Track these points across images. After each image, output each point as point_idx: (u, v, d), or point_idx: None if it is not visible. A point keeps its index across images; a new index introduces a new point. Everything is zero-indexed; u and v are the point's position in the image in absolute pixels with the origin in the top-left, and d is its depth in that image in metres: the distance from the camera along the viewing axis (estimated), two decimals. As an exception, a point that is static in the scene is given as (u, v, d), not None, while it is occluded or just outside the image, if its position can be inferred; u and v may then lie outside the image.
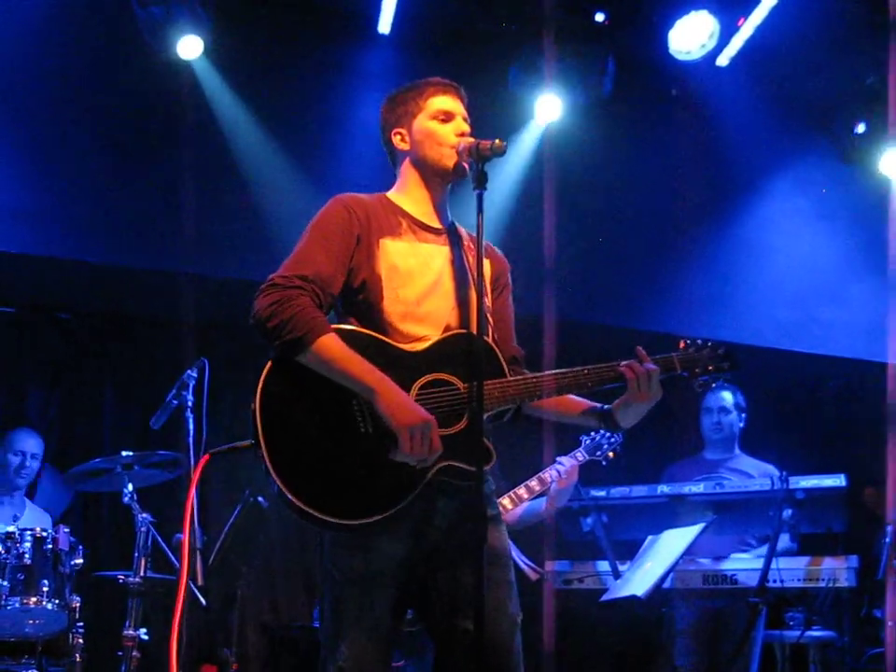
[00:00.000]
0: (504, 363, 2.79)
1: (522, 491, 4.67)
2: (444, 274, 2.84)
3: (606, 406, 2.91)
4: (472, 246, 2.88)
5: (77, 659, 4.63)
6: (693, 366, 2.89)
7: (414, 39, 6.15)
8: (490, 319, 2.86)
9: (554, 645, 5.48)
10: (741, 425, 5.53)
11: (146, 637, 4.50)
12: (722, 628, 5.01)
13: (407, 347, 2.71)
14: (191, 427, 4.46)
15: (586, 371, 2.81)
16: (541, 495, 4.76)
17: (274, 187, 5.72)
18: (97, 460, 4.89)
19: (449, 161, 2.84)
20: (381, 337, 2.71)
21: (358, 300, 2.76)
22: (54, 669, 4.73)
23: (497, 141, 2.70)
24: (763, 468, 5.36)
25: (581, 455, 4.72)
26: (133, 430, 6.26)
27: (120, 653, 4.43)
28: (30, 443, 5.60)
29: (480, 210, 2.65)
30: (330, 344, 2.59)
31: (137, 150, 5.69)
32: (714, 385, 2.92)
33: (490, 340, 2.82)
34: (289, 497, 2.51)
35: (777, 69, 6.30)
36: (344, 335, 2.66)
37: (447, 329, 2.79)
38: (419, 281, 2.79)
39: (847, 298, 6.86)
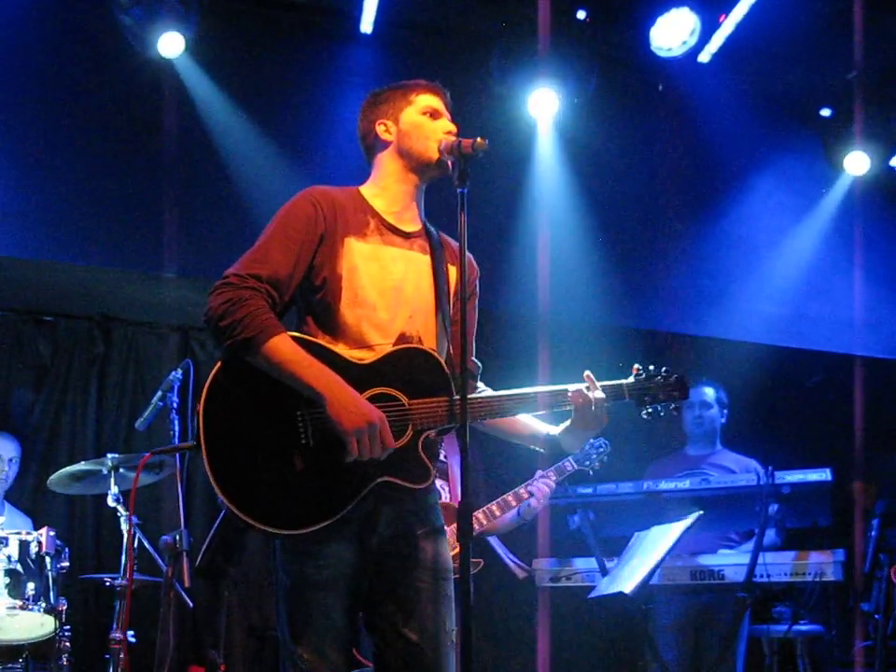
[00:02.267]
0: (451, 382, 2.73)
1: (494, 507, 4.67)
2: (406, 281, 2.82)
3: (550, 434, 2.91)
4: (445, 255, 2.90)
5: (65, 662, 4.62)
6: (642, 395, 2.85)
7: (397, 38, 6.14)
8: (447, 329, 2.85)
9: (543, 642, 5.50)
10: (722, 420, 5.55)
11: (133, 640, 4.49)
12: (710, 623, 5.03)
13: (355, 358, 2.69)
14: (177, 428, 4.44)
15: (536, 395, 2.79)
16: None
17: (259, 186, 5.69)
18: (82, 463, 4.88)
19: (434, 154, 2.84)
20: (329, 347, 2.69)
21: (317, 299, 2.74)
22: (41, 673, 4.71)
23: (478, 139, 2.71)
24: (744, 462, 5.37)
25: (569, 464, 4.73)
26: (119, 433, 6.24)
27: (108, 656, 4.41)
28: (8, 448, 5.57)
29: (462, 208, 2.65)
30: (281, 346, 2.58)
31: (121, 151, 5.67)
32: (662, 413, 2.88)
33: (442, 355, 2.79)
34: (223, 499, 2.53)
35: (759, 65, 6.31)
36: (303, 344, 2.65)
37: (401, 337, 2.76)
38: (379, 286, 2.77)
39: (832, 293, 6.88)
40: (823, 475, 4.73)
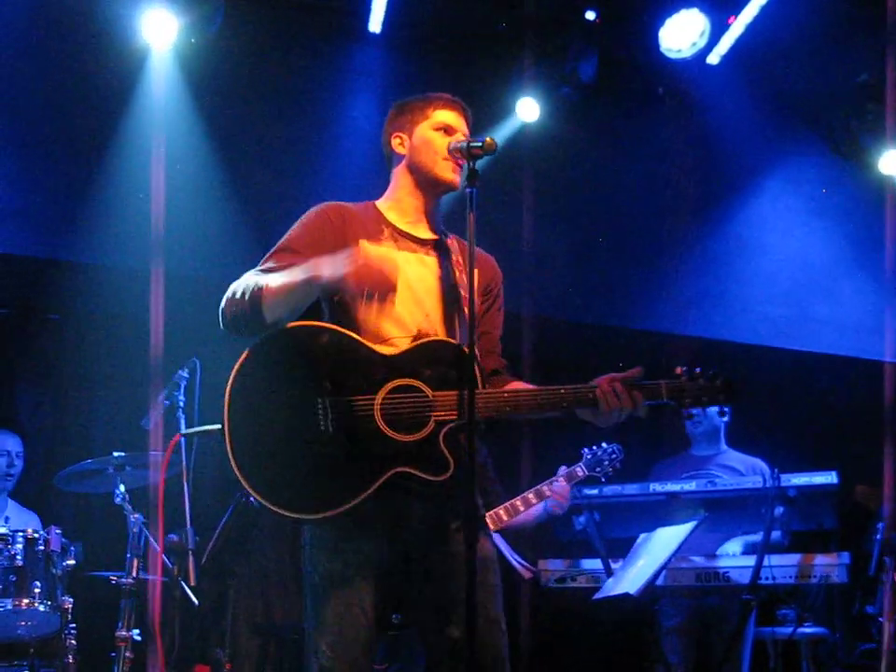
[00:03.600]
0: (479, 375, 2.75)
1: (518, 503, 4.69)
2: (421, 282, 2.86)
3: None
4: (461, 260, 2.92)
5: (70, 660, 4.62)
6: (681, 395, 2.78)
7: (405, 38, 6.15)
8: (462, 330, 2.86)
9: (548, 643, 5.49)
10: (724, 419, 5.50)
11: (138, 638, 4.49)
12: (715, 625, 5.02)
13: (381, 350, 2.73)
14: (183, 427, 4.45)
15: (562, 392, 2.75)
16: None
17: (264, 185, 5.70)
18: (88, 461, 4.88)
19: (442, 171, 2.89)
20: (357, 338, 2.73)
21: (335, 300, 2.79)
22: (47, 671, 4.72)
23: (487, 139, 2.70)
24: (750, 462, 5.36)
25: (580, 470, 4.74)
26: (125, 431, 6.24)
27: (113, 654, 4.42)
28: (11, 442, 5.59)
29: (472, 208, 2.65)
30: (270, 284, 2.65)
31: (128, 149, 5.66)
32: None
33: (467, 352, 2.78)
34: (243, 482, 2.58)
35: (768, 67, 6.31)
36: (324, 332, 2.72)
37: (418, 334, 2.79)
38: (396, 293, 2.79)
39: (839, 295, 6.87)
40: (829, 478, 4.72)
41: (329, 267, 2.59)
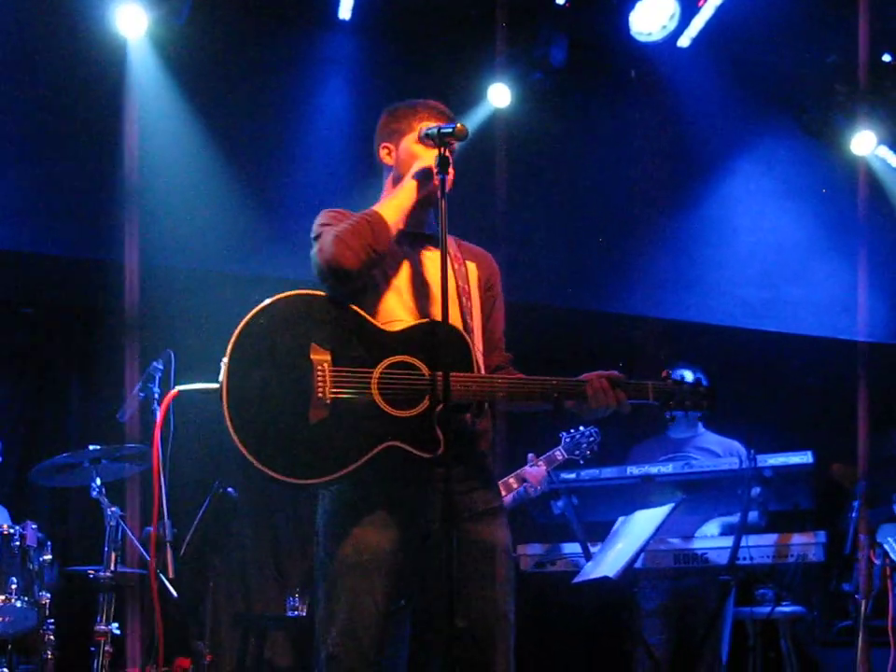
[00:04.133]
0: (475, 358, 2.79)
1: (500, 489, 4.69)
2: (425, 274, 2.90)
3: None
4: (457, 255, 3.00)
5: (49, 656, 4.60)
6: (667, 398, 2.90)
7: (375, 25, 6.12)
8: (470, 321, 2.90)
9: (527, 627, 5.50)
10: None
11: (118, 632, 4.47)
12: (694, 606, 5.05)
13: (383, 326, 2.77)
14: (159, 418, 4.42)
15: (554, 382, 2.82)
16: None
17: (234, 175, 5.67)
18: (64, 455, 4.85)
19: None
20: (361, 312, 2.77)
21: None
22: (25, 667, 4.70)
23: (458, 126, 2.72)
24: (727, 444, 5.39)
25: (560, 454, 4.76)
26: (100, 424, 6.20)
27: (93, 649, 4.40)
28: None
29: (442, 195, 2.67)
30: (384, 211, 2.79)
31: (97, 140, 5.62)
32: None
33: (467, 336, 2.83)
34: (236, 441, 2.60)
35: (739, 49, 6.31)
36: (329, 302, 2.76)
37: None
38: (403, 277, 2.87)
39: (812, 276, 6.91)
40: (805, 458, 4.75)
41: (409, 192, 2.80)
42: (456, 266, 2.96)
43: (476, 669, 2.69)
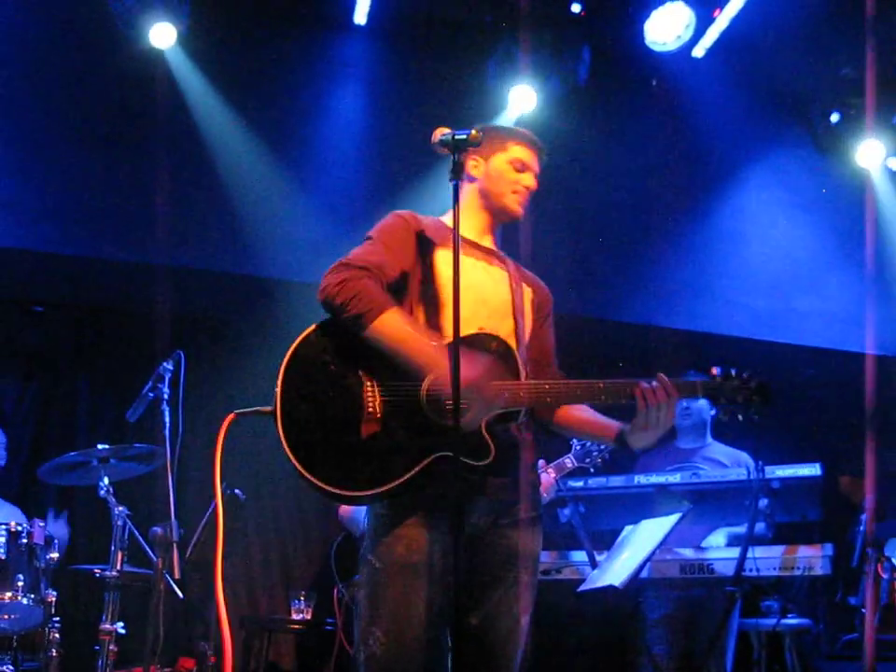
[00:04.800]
0: (521, 367, 2.86)
1: None
2: (484, 286, 2.99)
3: (621, 430, 2.95)
4: (516, 275, 3.10)
5: (54, 654, 4.61)
6: (716, 394, 2.89)
7: (391, 30, 6.14)
8: (523, 336, 3.00)
9: (532, 635, 5.49)
10: (712, 412, 5.53)
11: (123, 631, 4.48)
12: (699, 617, 5.03)
13: (434, 340, 2.81)
14: (167, 419, 4.44)
15: (601, 385, 2.86)
16: None
17: (250, 178, 5.70)
18: (72, 454, 4.86)
19: (510, 202, 3.09)
20: (410, 328, 2.81)
21: (403, 300, 2.89)
22: (30, 664, 4.70)
23: (473, 132, 2.75)
24: (735, 455, 5.38)
25: (570, 462, 4.74)
26: (109, 423, 6.23)
27: (97, 647, 4.40)
28: None
29: (456, 200, 2.71)
30: (390, 322, 2.75)
31: (112, 141, 5.66)
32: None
33: (513, 346, 2.90)
34: (293, 460, 2.67)
35: (753, 60, 6.32)
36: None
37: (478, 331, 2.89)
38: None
39: (823, 288, 6.89)
40: (813, 470, 4.73)
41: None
42: (514, 285, 3.06)
43: (481, 668, 2.73)
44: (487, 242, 3.13)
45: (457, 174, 2.73)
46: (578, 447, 4.81)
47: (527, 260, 5.99)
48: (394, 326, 2.75)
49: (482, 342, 2.84)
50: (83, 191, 5.63)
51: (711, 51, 6.16)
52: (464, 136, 2.73)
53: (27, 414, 6.23)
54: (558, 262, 6.11)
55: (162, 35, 5.52)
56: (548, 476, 4.74)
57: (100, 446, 4.74)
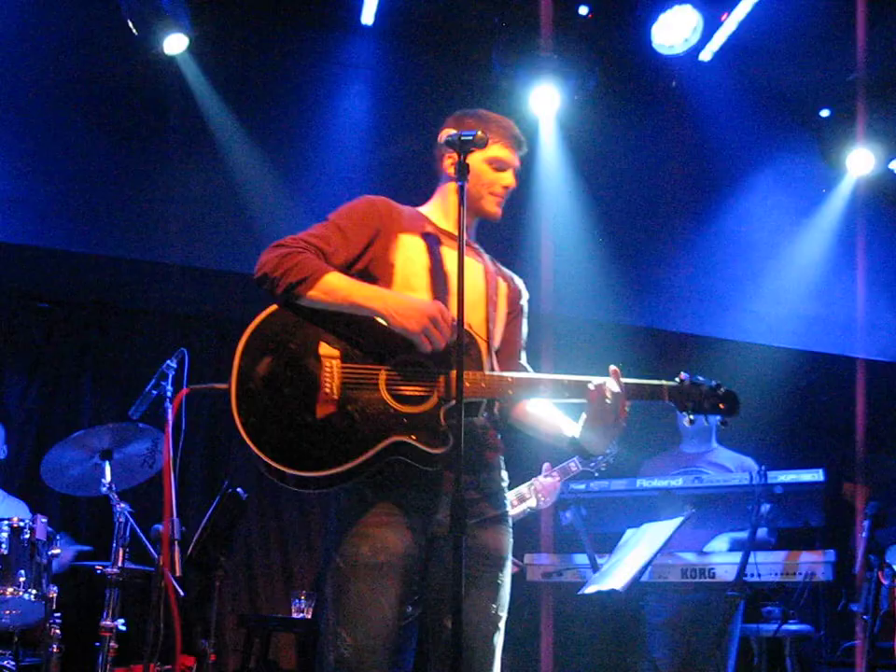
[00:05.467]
0: (485, 357, 2.82)
1: (513, 498, 4.69)
2: (455, 276, 2.88)
3: (575, 437, 2.91)
4: (490, 269, 3.06)
5: (55, 650, 4.60)
6: (683, 399, 2.85)
7: (398, 30, 6.14)
8: (493, 328, 2.96)
9: (532, 637, 5.49)
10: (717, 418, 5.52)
11: (123, 628, 4.48)
12: (700, 621, 5.03)
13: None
14: (170, 417, 4.43)
15: (565, 380, 2.82)
16: None
17: (258, 177, 5.70)
18: (78, 433, 4.86)
19: (487, 204, 3.03)
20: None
21: (362, 276, 2.84)
22: (31, 660, 4.71)
23: (479, 133, 2.75)
24: (740, 460, 5.38)
25: (575, 465, 4.74)
26: (112, 420, 6.22)
27: (98, 644, 4.40)
28: None
29: (461, 202, 2.69)
30: (334, 280, 2.73)
31: (122, 141, 5.68)
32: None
33: (479, 337, 2.86)
34: (242, 433, 2.62)
35: (760, 65, 6.31)
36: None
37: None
38: (431, 274, 2.90)
39: (827, 293, 6.88)
40: (816, 476, 4.73)
41: (406, 321, 2.67)
42: (489, 278, 3.03)
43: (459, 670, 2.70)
44: (464, 234, 3.05)
45: (463, 175, 2.71)
46: None
47: (533, 265, 6.02)
48: (338, 281, 2.72)
49: None
50: (90, 189, 5.64)
51: (718, 55, 6.15)
52: (470, 137, 2.73)
53: (31, 410, 6.24)
54: (561, 266, 6.11)
55: (173, 41, 5.52)
56: (552, 480, 4.73)
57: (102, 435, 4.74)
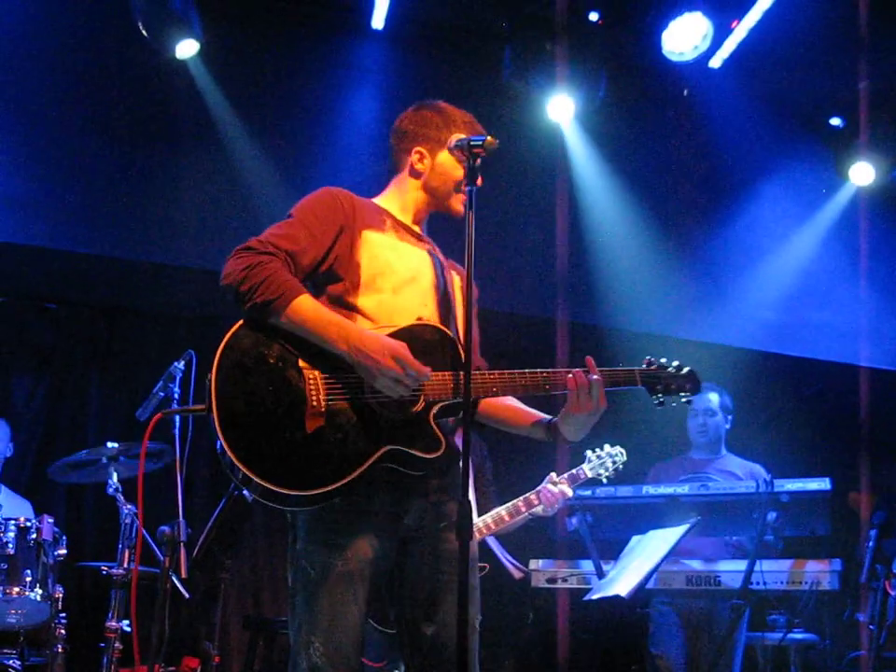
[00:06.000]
0: (463, 358, 2.75)
1: (504, 514, 4.69)
2: (421, 273, 2.90)
3: (552, 418, 2.93)
4: (444, 261, 3.00)
5: (60, 650, 4.62)
6: (653, 382, 2.92)
7: (408, 35, 6.15)
8: (456, 324, 2.91)
9: (537, 643, 5.49)
10: (727, 426, 5.53)
11: (128, 629, 4.48)
12: (705, 629, 5.02)
13: (373, 330, 2.72)
14: (178, 419, 4.44)
15: (544, 374, 2.83)
16: None
17: (267, 181, 5.71)
18: (83, 453, 4.88)
19: (454, 204, 2.97)
20: (349, 316, 2.73)
21: (334, 286, 2.78)
22: (36, 659, 4.72)
23: (488, 138, 2.73)
24: (749, 467, 5.37)
25: (583, 472, 4.73)
26: (119, 421, 6.25)
27: (103, 644, 4.41)
28: None
29: (471, 207, 2.66)
30: (303, 306, 2.62)
31: (132, 143, 5.70)
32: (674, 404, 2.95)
33: (455, 337, 2.83)
34: (231, 457, 2.51)
35: (770, 72, 6.30)
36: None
37: (417, 321, 2.82)
38: (397, 273, 2.84)
39: (835, 301, 6.88)
40: (822, 484, 4.73)
41: (369, 361, 2.58)
42: (445, 272, 2.98)
43: None
44: (418, 228, 3.02)
45: (473, 180, 2.68)
46: (592, 458, 4.78)
47: (539, 269, 6.03)
48: (307, 309, 2.61)
49: (422, 332, 2.76)
50: (99, 191, 5.65)
51: (728, 62, 6.15)
52: (479, 143, 2.71)
53: (38, 411, 6.25)
54: (569, 272, 6.12)
55: (184, 44, 5.54)
56: (559, 488, 4.71)
57: (110, 444, 4.76)
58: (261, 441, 2.55)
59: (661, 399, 2.93)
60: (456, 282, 3.02)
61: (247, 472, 2.51)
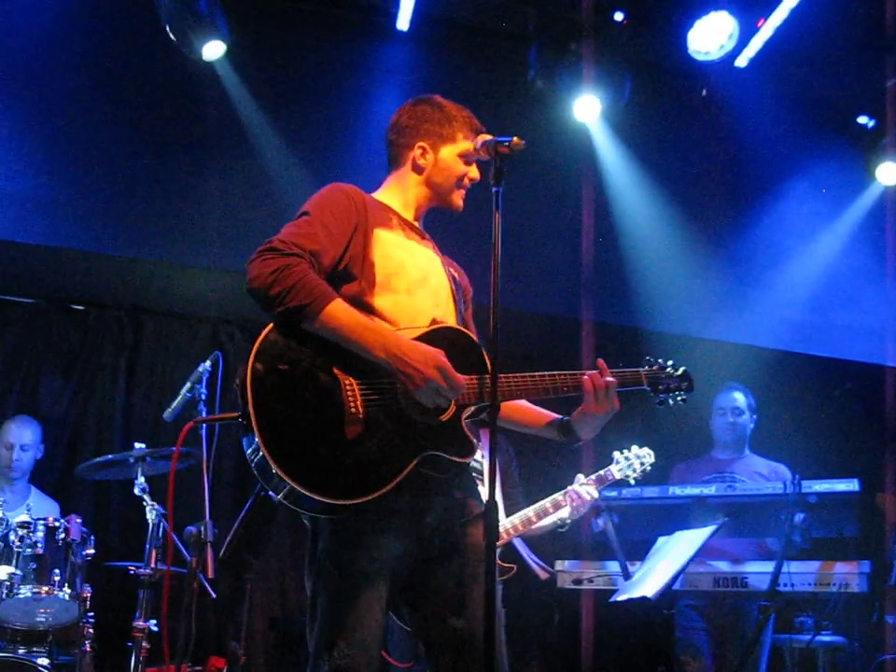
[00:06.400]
0: (488, 361, 2.77)
1: (537, 511, 4.68)
2: (430, 273, 2.91)
3: (565, 418, 2.97)
4: (443, 257, 3.02)
5: (87, 649, 4.63)
6: (656, 382, 3.01)
7: (434, 36, 6.16)
8: (461, 322, 2.94)
9: (563, 644, 5.48)
10: (752, 425, 5.52)
11: (155, 629, 4.50)
12: (732, 631, 5.00)
13: (399, 333, 2.71)
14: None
15: (562, 376, 2.87)
16: None
17: (294, 182, 5.73)
18: (109, 456, 4.92)
19: (455, 199, 3.00)
20: (368, 316, 2.70)
21: (349, 286, 2.76)
22: (64, 658, 4.74)
23: (514, 139, 2.73)
24: (773, 466, 5.35)
25: (611, 474, 4.72)
26: (146, 422, 6.27)
27: (130, 644, 4.43)
28: (17, 434, 5.55)
29: (497, 207, 2.66)
30: (336, 312, 2.59)
31: (160, 145, 5.73)
32: (676, 402, 3.02)
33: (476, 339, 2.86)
34: (278, 470, 2.47)
35: (797, 71, 6.27)
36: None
37: (433, 323, 2.82)
38: (409, 273, 2.84)
39: (863, 302, 6.83)
40: (851, 485, 4.70)
41: (410, 370, 2.57)
42: (446, 269, 2.99)
43: (475, 667, 2.66)
44: (418, 224, 3.02)
45: (499, 180, 2.68)
46: (620, 459, 4.75)
47: (565, 269, 6.01)
48: (342, 315, 2.58)
49: (447, 336, 2.76)
50: (127, 193, 5.69)
51: (754, 61, 6.11)
52: (506, 143, 2.71)
53: (66, 412, 6.29)
54: (594, 272, 6.11)
55: (211, 45, 5.57)
56: (586, 490, 4.68)
57: (137, 446, 4.79)
58: (306, 452, 2.51)
59: (662, 399, 3.00)
60: (457, 280, 3.03)
61: (295, 485, 2.47)
